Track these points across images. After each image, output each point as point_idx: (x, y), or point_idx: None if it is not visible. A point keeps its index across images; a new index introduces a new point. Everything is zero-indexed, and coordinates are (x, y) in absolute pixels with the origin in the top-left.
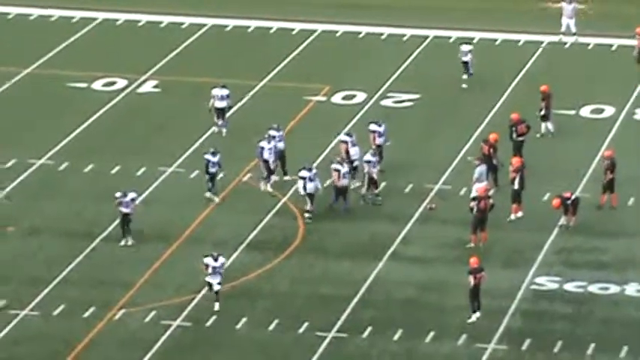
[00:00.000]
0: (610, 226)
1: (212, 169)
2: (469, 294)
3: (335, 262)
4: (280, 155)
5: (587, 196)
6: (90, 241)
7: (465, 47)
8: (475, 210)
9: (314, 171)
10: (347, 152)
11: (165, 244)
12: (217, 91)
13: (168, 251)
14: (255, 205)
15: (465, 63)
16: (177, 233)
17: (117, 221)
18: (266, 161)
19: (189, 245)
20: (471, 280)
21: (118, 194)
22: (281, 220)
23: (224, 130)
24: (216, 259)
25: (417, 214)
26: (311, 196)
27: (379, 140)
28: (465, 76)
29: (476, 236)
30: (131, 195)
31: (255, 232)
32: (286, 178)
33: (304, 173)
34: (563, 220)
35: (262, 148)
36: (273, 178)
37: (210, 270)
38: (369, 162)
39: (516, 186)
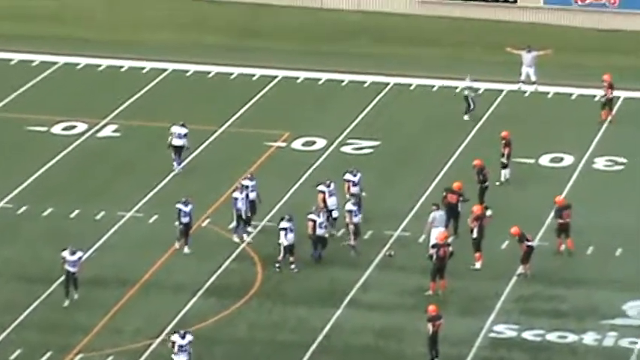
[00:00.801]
0: (569, 275)
1: (184, 219)
2: (428, 341)
3: (293, 309)
4: (251, 205)
5: (545, 244)
6: (48, 285)
7: (467, 82)
8: (434, 257)
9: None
10: (324, 202)
11: (124, 288)
12: (176, 129)
13: (126, 296)
14: (214, 250)
15: (466, 97)
16: (136, 278)
17: (61, 279)
18: (239, 211)
19: (147, 290)
20: (430, 327)
21: (64, 253)
22: (240, 265)
23: (178, 167)
24: (183, 337)
25: (376, 261)
26: (289, 247)
27: (354, 189)
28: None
29: (435, 284)
30: (78, 254)
31: (213, 278)
32: (249, 229)
33: (285, 224)
34: (521, 269)
35: (236, 199)
36: (249, 228)
37: (176, 348)
38: (350, 211)
39: (475, 235)
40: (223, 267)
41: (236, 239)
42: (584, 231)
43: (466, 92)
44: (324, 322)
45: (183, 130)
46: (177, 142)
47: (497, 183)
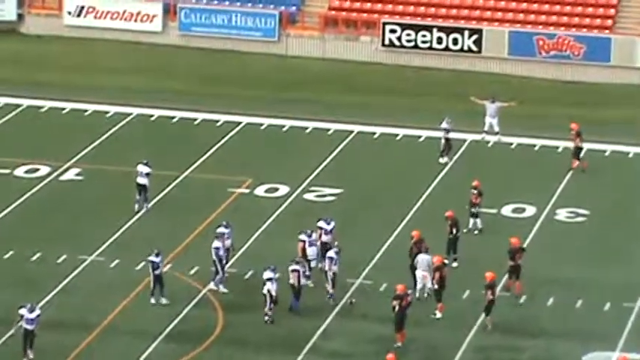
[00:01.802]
0: (529, 326)
1: (156, 271)
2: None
3: (254, 355)
4: (225, 253)
5: (507, 294)
6: (7, 328)
7: (444, 124)
8: (397, 309)
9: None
10: (304, 251)
11: (84, 333)
12: (140, 168)
13: (86, 340)
14: (175, 295)
15: (447, 140)
16: (96, 322)
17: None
18: (220, 260)
19: (108, 335)
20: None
21: (22, 311)
22: (201, 311)
23: (145, 206)
24: None
25: (337, 309)
26: (273, 297)
27: (325, 238)
28: (441, 156)
29: (402, 334)
30: (36, 312)
31: (174, 323)
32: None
33: (269, 274)
34: (487, 321)
35: (218, 248)
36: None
37: None
38: (331, 259)
39: (435, 285)
40: (184, 312)
41: (223, 289)
42: (545, 282)
43: (444, 134)
44: None
45: (147, 169)
46: (141, 180)
47: (465, 230)
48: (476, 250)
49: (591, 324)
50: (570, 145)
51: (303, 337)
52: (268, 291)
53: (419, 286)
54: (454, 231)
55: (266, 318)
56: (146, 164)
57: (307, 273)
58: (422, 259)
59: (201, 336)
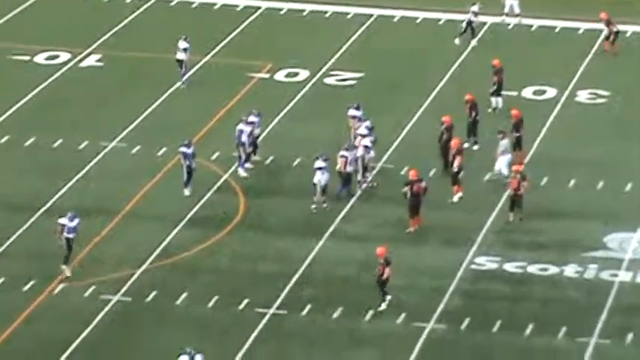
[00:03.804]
0: (550, 208)
1: (187, 162)
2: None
3: (275, 240)
4: (253, 141)
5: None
6: (31, 214)
7: (474, 7)
8: (408, 195)
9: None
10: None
11: (106, 218)
12: (180, 43)
13: (108, 226)
14: (196, 181)
15: (469, 22)
16: (118, 208)
17: (62, 245)
18: (243, 144)
19: (129, 220)
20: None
21: (62, 220)
22: (222, 196)
23: (182, 82)
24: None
25: (358, 193)
26: (324, 187)
27: (358, 124)
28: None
29: (414, 220)
30: (76, 220)
31: (196, 209)
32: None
33: (320, 163)
34: (511, 217)
35: (241, 132)
36: (248, 164)
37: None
38: (366, 147)
39: (455, 168)
40: (205, 198)
41: (243, 173)
42: (565, 164)
43: (471, 17)
44: (307, 253)
45: (183, 45)
46: (179, 55)
47: (489, 110)
48: (495, 132)
49: (612, 205)
50: (593, 27)
51: (324, 221)
52: (319, 181)
53: (503, 172)
54: (473, 114)
55: (313, 207)
56: (185, 39)
57: (354, 161)
58: (502, 143)
59: (222, 221)
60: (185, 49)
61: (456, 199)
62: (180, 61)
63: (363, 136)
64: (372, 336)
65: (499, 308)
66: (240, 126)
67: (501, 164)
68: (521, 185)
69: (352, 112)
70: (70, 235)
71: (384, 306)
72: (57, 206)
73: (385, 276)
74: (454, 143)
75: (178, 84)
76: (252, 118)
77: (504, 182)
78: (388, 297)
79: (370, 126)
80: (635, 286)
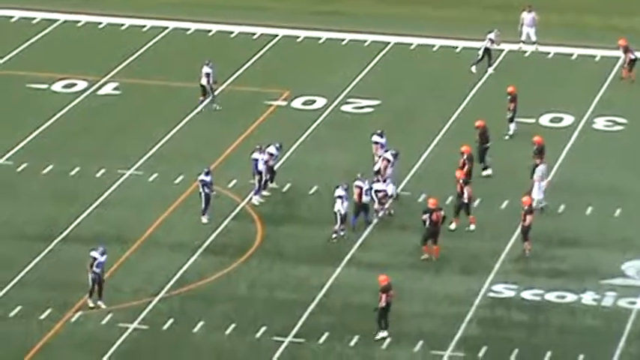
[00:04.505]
0: (568, 235)
1: (206, 190)
2: (379, 312)
3: (293, 267)
4: (272, 172)
5: (545, 204)
6: (48, 242)
7: (491, 35)
8: (427, 223)
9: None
10: (360, 197)
11: (123, 246)
12: (204, 69)
13: (126, 254)
14: (214, 208)
15: (486, 49)
16: (136, 236)
17: (89, 278)
18: (260, 173)
19: (147, 248)
20: (383, 298)
21: (94, 253)
22: (239, 223)
23: (202, 106)
24: None
25: (375, 220)
26: (342, 216)
27: (381, 152)
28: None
29: (427, 247)
30: (105, 256)
31: (213, 236)
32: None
33: (340, 192)
34: (526, 245)
35: (256, 161)
36: (265, 192)
37: None
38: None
39: (466, 199)
40: (223, 225)
41: (255, 200)
42: (583, 191)
43: (488, 44)
44: (324, 281)
45: (206, 70)
46: (202, 81)
47: (506, 137)
48: (513, 159)
49: (630, 232)
50: (610, 54)
51: (341, 249)
52: (339, 210)
53: (538, 197)
54: (483, 140)
55: (334, 236)
56: (208, 64)
57: (369, 191)
58: (539, 169)
59: (240, 248)
60: (208, 75)
61: (472, 227)
62: (203, 87)
63: (387, 162)
64: None
65: (517, 336)
66: (255, 155)
67: (538, 190)
68: (526, 217)
69: (375, 138)
70: (98, 270)
71: (380, 335)
72: (74, 234)
73: (383, 303)
74: (459, 174)
75: (202, 107)
76: (271, 149)
77: (541, 208)
78: (383, 334)
79: (395, 152)
80: None
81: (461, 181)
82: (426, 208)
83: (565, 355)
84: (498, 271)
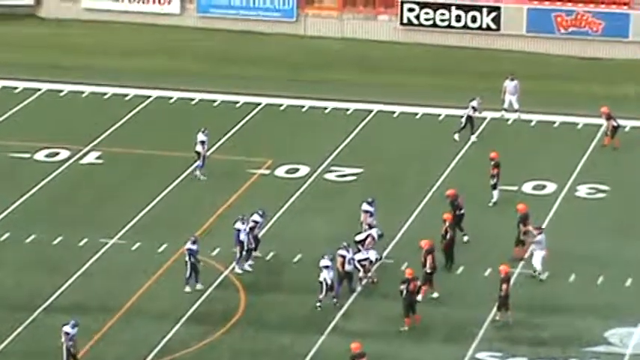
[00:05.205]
0: (550, 302)
1: (193, 259)
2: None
3: (277, 336)
4: (256, 240)
5: (527, 271)
6: (30, 312)
7: (474, 103)
8: (404, 293)
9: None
10: (342, 266)
11: (106, 315)
12: (199, 136)
13: (108, 323)
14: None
15: (469, 117)
16: (118, 305)
17: (64, 351)
18: (241, 243)
19: (130, 317)
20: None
21: (66, 328)
22: (223, 292)
23: (196, 174)
24: None
25: (358, 288)
26: (328, 285)
27: (370, 220)
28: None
29: (409, 319)
30: (76, 328)
31: (196, 305)
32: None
33: (325, 262)
34: (498, 317)
35: (239, 231)
36: (250, 261)
37: None
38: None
39: (428, 269)
40: (206, 294)
41: (238, 269)
42: (565, 258)
43: (470, 112)
44: (307, 350)
45: (201, 137)
46: (197, 147)
47: (489, 204)
48: (495, 227)
49: (613, 300)
50: (592, 121)
51: (325, 318)
52: (324, 279)
53: (539, 268)
54: (456, 207)
55: (318, 304)
56: (203, 132)
57: (352, 260)
58: (540, 238)
59: (223, 317)
60: (203, 142)
61: (436, 294)
62: (198, 153)
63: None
64: None
65: None
66: (238, 225)
67: (537, 260)
68: (502, 288)
69: (365, 206)
70: (71, 343)
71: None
72: (57, 304)
73: None
74: (425, 244)
75: (196, 173)
76: (255, 217)
77: (538, 278)
78: None
79: (379, 233)
80: None
81: (424, 251)
82: (403, 278)
83: None
84: (482, 339)
